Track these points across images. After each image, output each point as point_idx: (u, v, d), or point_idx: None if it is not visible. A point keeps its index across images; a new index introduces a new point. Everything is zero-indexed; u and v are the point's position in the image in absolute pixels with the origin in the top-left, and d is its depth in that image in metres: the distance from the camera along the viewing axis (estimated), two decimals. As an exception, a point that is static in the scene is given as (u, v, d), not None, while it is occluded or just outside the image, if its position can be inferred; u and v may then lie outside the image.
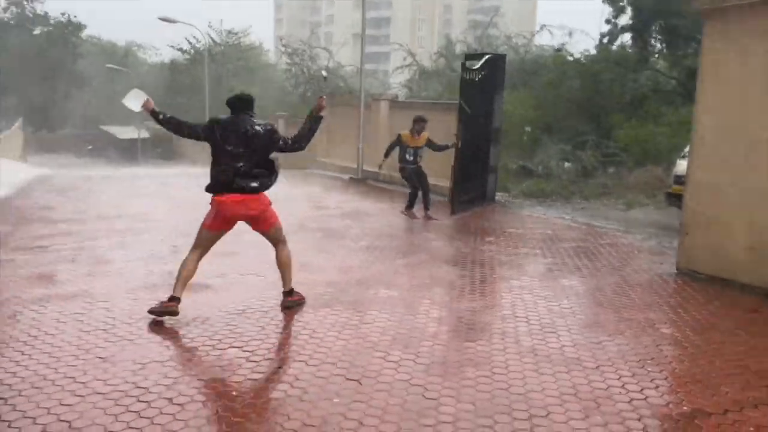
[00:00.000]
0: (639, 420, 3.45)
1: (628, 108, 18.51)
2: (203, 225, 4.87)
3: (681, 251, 6.78)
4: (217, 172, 4.75)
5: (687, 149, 7.54)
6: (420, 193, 9.95)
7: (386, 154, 10.12)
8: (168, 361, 4.12)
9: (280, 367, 4.05)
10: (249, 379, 3.85)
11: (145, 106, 4.82)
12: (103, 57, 52.16)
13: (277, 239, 5.08)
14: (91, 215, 9.12)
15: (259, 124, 4.80)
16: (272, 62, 46.23)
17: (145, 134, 43.71)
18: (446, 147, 10.15)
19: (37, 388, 3.66)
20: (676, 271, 6.73)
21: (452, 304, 5.49)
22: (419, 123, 9.72)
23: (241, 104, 4.82)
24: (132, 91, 4.87)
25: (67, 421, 3.29)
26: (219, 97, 32.56)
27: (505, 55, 12.80)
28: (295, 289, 5.20)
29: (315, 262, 6.76)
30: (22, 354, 4.13)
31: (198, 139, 4.83)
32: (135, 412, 3.41)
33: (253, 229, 5.05)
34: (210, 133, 4.77)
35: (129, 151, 45.79)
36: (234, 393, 3.66)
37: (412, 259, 7.13)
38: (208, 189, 4.81)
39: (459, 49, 24.07)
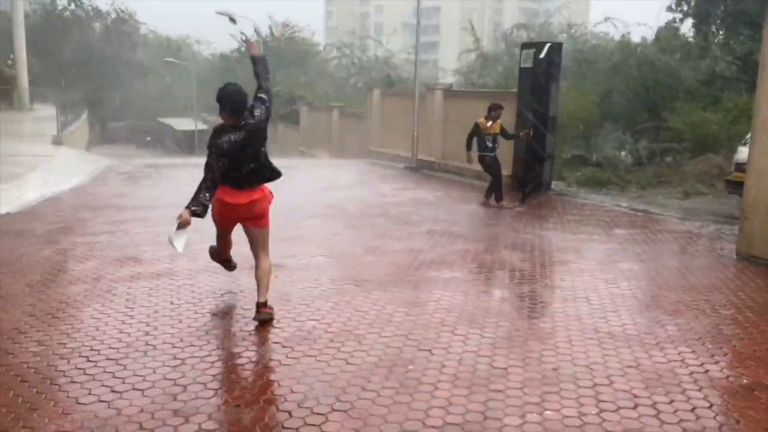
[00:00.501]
0: (699, 390, 3.64)
1: (687, 96, 18.21)
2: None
3: (740, 237, 6.83)
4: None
5: (748, 136, 7.53)
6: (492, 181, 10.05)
7: (468, 146, 10.19)
8: (254, 331, 4.49)
9: (357, 341, 4.36)
10: (328, 347, 4.18)
11: (183, 225, 4.19)
12: (159, 50, 53.78)
13: (265, 243, 4.72)
14: (163, 201, 9.65)
15: (254, 113, 4.41)
16: (323, 54, 46.81)
17: (202, 126, 44.85)
18: (517, 136, 10.29)
19: (140, 351, 4.07)
20: (735, 256, 6.79)
21: (515, 286, 5.72)
22: (496, 110, 9.83)
23: (243, 101, 4.33)
24: (170, 237, 4.22)
25: (172, 379, 3.68)
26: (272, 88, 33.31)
27: (562, 43, 12.79)
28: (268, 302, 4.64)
29: (381, 246, 7.07)
30: (123, 323, 4.57)
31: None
32: (232, 373, 3.78)
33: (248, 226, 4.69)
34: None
35: (186, 142, 47.17)
36: (317, 358, 3.99)
37: (472, 244, 7.37)
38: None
39: (516, 34, 23.91)
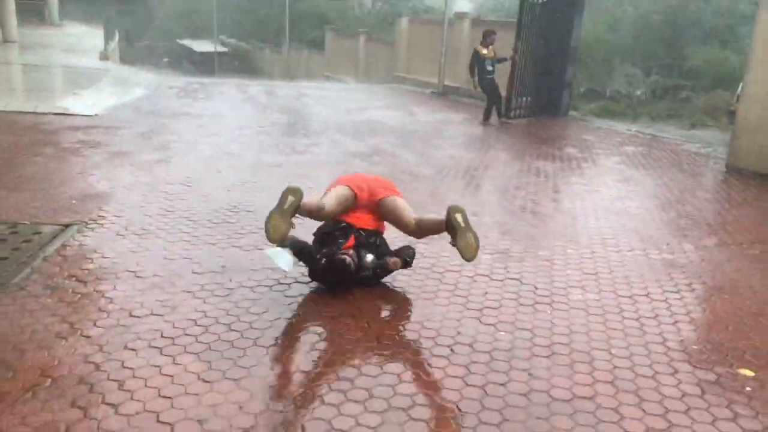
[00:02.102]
0: (680, 245, 5.05)
1: (705, 33, 19.07)
2: None
3: (730, 152, 8.14)
4: None
5: None
6: (490, 103, 11.34)
7: (472, 73, 11.43)
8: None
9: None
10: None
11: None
12: (179, -31, 53.49)
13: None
14: (222, 112, 10.93)
15: None
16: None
17: (222, 48, 45.40)
18: (505, 59, 11.45)
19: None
20: (725, 168, 8.11)
21: (546, 180, 7.09)
22: (490, 35, 11.10)
23: None
24: (272, 252, 3.87)
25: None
26: (297, 10, 33.80)
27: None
28: None
29: (426, 152, 8.40)
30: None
31: None
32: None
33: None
34: None
35: (204, 65, 47.74)
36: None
37: (503, 154, 8.69)
38: None
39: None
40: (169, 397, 2.77)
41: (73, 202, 5.41)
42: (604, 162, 8.29)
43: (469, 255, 3.65)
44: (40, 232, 4.66)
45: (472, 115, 12.84)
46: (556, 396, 2.90)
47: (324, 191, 4.11)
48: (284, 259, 3.79)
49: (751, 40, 7.90)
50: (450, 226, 3.68)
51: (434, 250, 4.55)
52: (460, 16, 16.97)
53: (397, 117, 11.89)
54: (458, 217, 3.67)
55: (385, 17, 27.75)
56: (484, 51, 11.08)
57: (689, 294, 4.12)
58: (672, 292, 4.13)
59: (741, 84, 11.34)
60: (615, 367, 3.17)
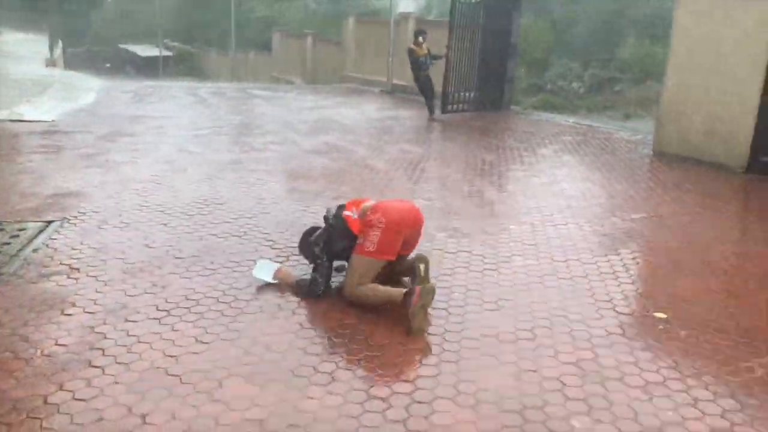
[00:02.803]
0: (613, 217, 5.71)
1: (639, 29, 20.20)
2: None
3: (656, 138, 8.92)
4: None
5: None
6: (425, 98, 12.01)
7: (414, 69, 12.00)
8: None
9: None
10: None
11: (280, 278, 4.08)
12: (117, -27, 52.65)
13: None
14: (177, 113, 11.21)
15: None
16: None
17: (166, 52, 44.97)
18: (441, 57, 12.08)
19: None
20: (651, 153, 8.89)
21: (491, 167, 7.69)
22: (423, 34, 11.77)
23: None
24: (259, 263, 4.20)
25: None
26: (242, 12, 33.87)
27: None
28: None
29: (379, 147, 8.92)
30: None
31: None
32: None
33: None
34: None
35: (148, 69, 47.13)
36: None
37: (451, 146, 9.29)
38: None
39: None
40: (174, 356, 3.20)
41: (50, 201, 5.72)
42: (542, 150, 8.97)
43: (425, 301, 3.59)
44: (24, 229, 4.98)
45: (420, 111, 13.40)
46: (503, 338, 3.46)
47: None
48: (266, 270, 4.10)
49: (672, 33, 8.68)
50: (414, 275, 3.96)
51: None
52: (405, 16, 17.56)
53: (348, 115, 12.35)
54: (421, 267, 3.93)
55: (332, 18, 28.13)
56: (419, 49, 11.69)
57: (614, 257, 4.75)
58: (600, 256, 4.76)
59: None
60: (552, 315, 3.75)
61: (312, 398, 2.89)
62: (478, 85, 13.33)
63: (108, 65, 52.96)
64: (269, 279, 4.06)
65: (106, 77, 37.16)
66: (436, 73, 12.08)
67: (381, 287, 3.76)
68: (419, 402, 2.86)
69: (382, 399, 2.89)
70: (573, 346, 3.41)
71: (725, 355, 3.36)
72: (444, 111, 12.29)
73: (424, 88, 11.97)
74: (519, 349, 3.35)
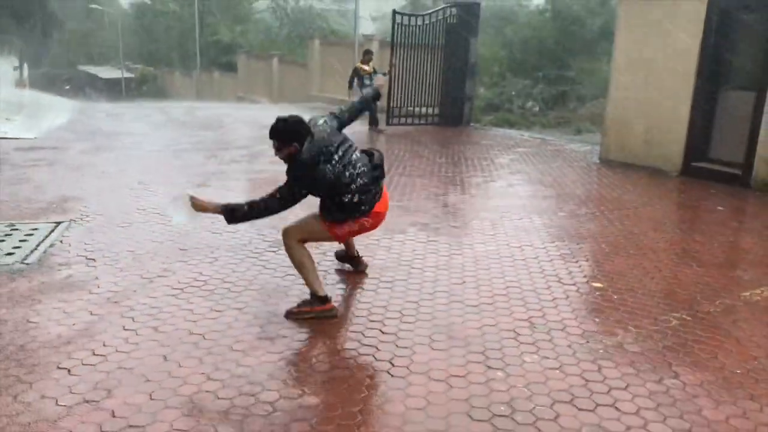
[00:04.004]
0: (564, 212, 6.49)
1: (586, 48, 21.47)
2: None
3: (602, 147, 9.83)
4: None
5: None
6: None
7: (350, 86, 12.82)
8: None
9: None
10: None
11: (198, 206, 3.93)
12: (76, -3, 52.59)
13: None
14: (152, 130, 11.74)
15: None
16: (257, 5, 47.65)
17: (128, 74, 45.11)
18: (385, 74, 12.93)
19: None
20: (598, 161, 9.78)
21: (449, 177, 8.44)
22: (369, 54, 12.68)
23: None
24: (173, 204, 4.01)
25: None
26: (204, 39, 34.38)
27: (479, 3, 15.36)
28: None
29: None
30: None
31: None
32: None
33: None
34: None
35: (111, 90, 47.13)
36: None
37: (415, 158, 10.03)
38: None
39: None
40: (193, 321, 3.81)
41: (54, 206, 6.24)
42: (499, 160, 9.78)
43: None
44: (36, 228, 5.50)
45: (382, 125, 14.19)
46: (468, 304, 4.15)
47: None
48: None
49: (613, 52, 9.62)
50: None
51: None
52: (369, 38, 18.40)
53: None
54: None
55: (295, 39, 28.89)
56: (365, 67, 12.52)
57: (561, 243, 5.51)
58: (549, 242, 5.52)
59: None
60: (508, 287, 4.47)
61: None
62: (440, 102, 14.18)
63: (67, 87, 52.71)
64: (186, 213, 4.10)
65: (67, 99, 37.12)
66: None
67: (310, 266, 3.94)
68: (401, 347, 3.53)
69: (379, 320, 3.55)
70: (525, 308, 4.12)
71: (648, 311, 4.12)
72: (388, 123, 13.13)
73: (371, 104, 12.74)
74: (481, 311, 4.05)
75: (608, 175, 8.74)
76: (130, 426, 2.75)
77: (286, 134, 3.75)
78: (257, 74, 26.83)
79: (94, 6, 44.77)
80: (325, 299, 3.92)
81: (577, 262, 5.07)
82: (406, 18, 13.40)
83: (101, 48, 53.71)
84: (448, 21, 13.81)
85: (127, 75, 45.87)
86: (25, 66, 27.56)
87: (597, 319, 3.99)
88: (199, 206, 3.88)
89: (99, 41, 53.91)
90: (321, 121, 3.96)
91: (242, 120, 14.29)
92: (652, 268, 4.97)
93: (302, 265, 3.95)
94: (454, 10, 13.90)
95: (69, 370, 3.19)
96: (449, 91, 14.14)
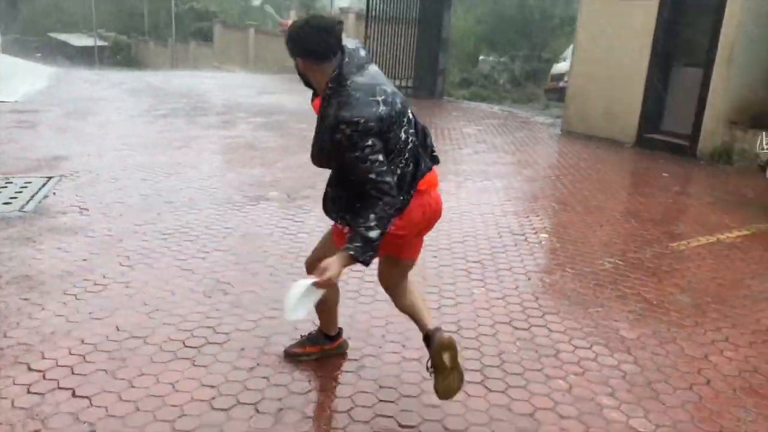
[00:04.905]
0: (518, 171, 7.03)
1: (557, 27, 21.98)
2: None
3: (564, 119, 10.39)
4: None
5: (562, 55, 11.04)
6: None
7: None
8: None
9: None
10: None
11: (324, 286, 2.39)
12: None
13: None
14: (134, 91, 12.02)
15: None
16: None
17: (101, 42, 44.54)
18: None
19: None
20: (560, 132, 10.34)
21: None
22: (340, 25, 13.03)
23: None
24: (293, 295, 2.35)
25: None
26: (180, 7, 34.15)
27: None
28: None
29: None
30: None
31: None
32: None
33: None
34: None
35: (83, 58, 46.52)
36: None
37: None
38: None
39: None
40: (183, 260, 4.26)
41: (43, 163, 6.60)
42: (467, 130, 10.29)
43: (444, 395, 2.61)
44: (30, 182, 5.88)
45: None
46: (429, 250, 4.66)
47: None
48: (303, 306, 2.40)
49: (576, 30, 10.14)
50: (434, 364, 2.60)
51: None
52: (345, 10, 18.68)
53: (293, 100, 13.37)
54: (446, 357, 2.57)
55: (266, 12, 28.93)
56: None
57: (516, 201, 6.06)
58: (506, 201, 6.06)
59: (554, 66, 13.92)
60: (465, 236, 4.99)
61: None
62: (414, 76, 14.62)
63: (38, 54, 51.78)
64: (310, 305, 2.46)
65: (40, 65, 36.51)
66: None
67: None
68: (367, 282, 4.03)
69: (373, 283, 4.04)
70: (477, 252, 4.65)
71: (585, 257, 4.68)
72: None
73: None
74: (439, 255, 4.57)
75: (567, 145, 9.31)
76: (133, 337, 3.21)
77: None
78: (233, 45, 26.90)
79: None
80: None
81: (528, 217, 5.62)
82: (382, -9, 13.75)
83: (72, 16, 52.76)
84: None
85: (100, 43, 45.25)
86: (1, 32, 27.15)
87: (540, 263, 4.54)
88: (326, 280, 2.35)
89: (71, 8, 52.96)
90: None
91: (218, 87, 14.56)
92: (594, 223, 5.54)
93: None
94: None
95: (75, 296, 3.64)
96: (423, 64, 14.59)
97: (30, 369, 2.88)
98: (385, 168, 2.34)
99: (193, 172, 6.57)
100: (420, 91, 14.48)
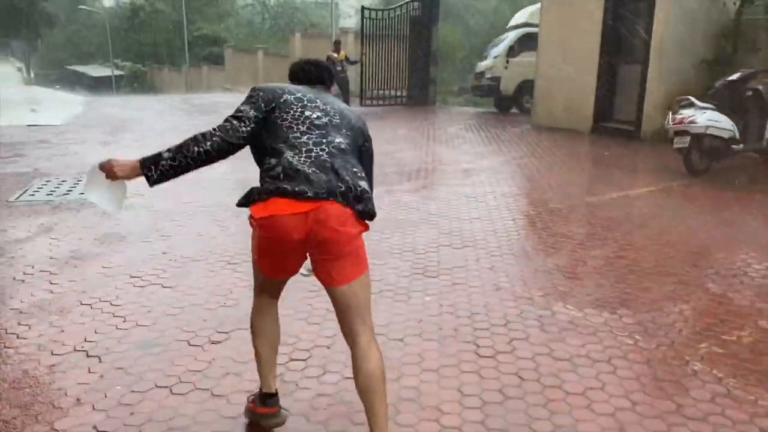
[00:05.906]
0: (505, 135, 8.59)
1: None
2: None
3: (533, 114, 11.96)
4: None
5: (484, 54, 12.85)
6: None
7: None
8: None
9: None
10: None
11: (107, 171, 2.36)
12: (64, -1, 54.13)
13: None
14: (158, 113, 13.72)
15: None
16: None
17: (117, 72, 46.77)
18: (356, 62, 14.99)
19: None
20: (530, 126, 11.90)
21: (419, 135, 10.51)
22: (338, 44, 14.71)
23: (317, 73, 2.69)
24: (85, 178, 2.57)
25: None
26: (190, 34, 36.15)
27: (441, -5, 17.37)
28: None
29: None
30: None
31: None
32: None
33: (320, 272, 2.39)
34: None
35: (101, 88, 48.77)
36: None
37: (386, 126, 12.10)
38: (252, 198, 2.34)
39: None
40: (212, 236, 5.85)
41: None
42: (450, 129, 11.87)
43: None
44: (80, 180, 7.52)
45: (356, 109, 16.26)
46: (421, 221, 6.22)
47: None
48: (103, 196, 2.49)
49: (539, 34, 11.70)
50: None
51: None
52: (345, 30, 20.40)
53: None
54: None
55: (278, 33, 30.77)
56: (335, 55, 14.59)
57: (489, 181, 7.60)
58: (480, 183, 7.59)
59: (477, 65, 15.52)
60: (454, 220, 6.55)
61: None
62: (409, 85, 16.28)
63: (58, 87, 54.26)
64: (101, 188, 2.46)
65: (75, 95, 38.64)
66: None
67: (259, 339, 2.65)
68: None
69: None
70: (458, 221, 6.21)
71: (516, 208, 6.21)
72: (361, 105, 15.19)
73: (341, 84, 14.84)
74: (429, 227, 6.12)
75: (534, 136, 10.86)
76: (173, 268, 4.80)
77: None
78: (244, 67, 28.73)
79: (82, 7, 46.15)
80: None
81: (504, 196, 7.17)
82: (374, 13, 15.45)
83: (88, 47, 55.23)
84: (412, 14, 15.86)
85: (117, 73, 47.51)
86: (30, 67, 29.29)
87: (479, 211, 6.08)
88: (109, 166, 2.36)
89: (86, 41, 55.46)
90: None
91: (234, 105, 16.22)
92: (531, 188, 7.07)
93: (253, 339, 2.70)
94: (416, 4, 15.95)
95: (101, 254, 5.24)
96: (415, 75, 16.23)
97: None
98: (241, 115, 2.43)
99: (214, 173, 8.17)
100: (414, 100, 16.11)
